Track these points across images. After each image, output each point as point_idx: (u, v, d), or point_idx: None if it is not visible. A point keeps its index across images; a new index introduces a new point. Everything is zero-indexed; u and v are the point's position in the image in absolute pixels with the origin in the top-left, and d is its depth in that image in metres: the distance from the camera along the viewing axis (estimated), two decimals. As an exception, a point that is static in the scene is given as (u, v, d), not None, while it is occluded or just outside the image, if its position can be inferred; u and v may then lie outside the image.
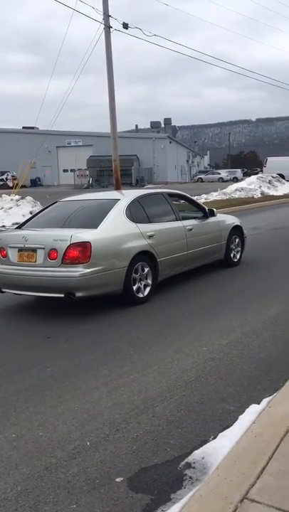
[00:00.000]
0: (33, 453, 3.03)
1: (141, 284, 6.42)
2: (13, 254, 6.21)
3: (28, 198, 19.16)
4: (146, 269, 6.48)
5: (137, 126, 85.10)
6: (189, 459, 2.86)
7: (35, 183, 57.68)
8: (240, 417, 3.25)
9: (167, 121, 76.59)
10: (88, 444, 3.10)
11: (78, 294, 5.78)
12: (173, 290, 7.10)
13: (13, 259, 6.20)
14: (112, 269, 6.01)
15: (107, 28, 21.66)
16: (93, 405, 3.62)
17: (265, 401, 3.41)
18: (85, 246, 5.78)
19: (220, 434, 3.07)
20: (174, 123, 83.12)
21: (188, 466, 2.80)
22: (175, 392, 3.75)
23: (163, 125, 75.11)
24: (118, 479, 2.72)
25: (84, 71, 22.24)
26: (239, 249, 8.76)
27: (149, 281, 6.53)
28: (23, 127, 62.01)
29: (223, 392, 3.73)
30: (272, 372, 4.04)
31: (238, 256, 8.71)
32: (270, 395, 3.54)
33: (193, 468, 2.78)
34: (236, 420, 3.22)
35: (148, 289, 6.52)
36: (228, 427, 3.17)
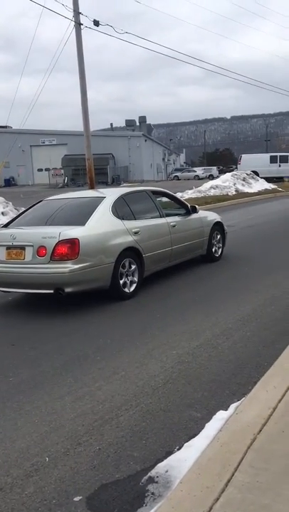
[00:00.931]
0: (-12, 472, 2.85)
1: (127, 279, 6.52)
2: (1, 253, 6.26)
3: (0, 198, 18.76)
4: (133, 266, 6.59)
5: (112, 124, 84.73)
6: (152, 472, 2.72)
7: (8, 182, 56.87)
8: (207, 424, 3.13)
9: (142, 119, 76.43)
10: (47, 459, 2.93)
11: (68, 290, 5.86)
12: (152, 287, 7.05)
13: (1, 257, 6.26)
14: (100, 265, 6.08)
15: (78, 25, 21.39)
16: (55, 417, 3.45)
17: (232, 407, 3.30)
18: (73, 242, 5.84)
19: (185, 444, 2.95)
20: (149, 121, 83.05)
21: (151, 480, 2.66)
22: (141, 400, 3.61)
23: (138, 123, 74.93)
24: (76, 498, 2.56)
25: (58, 70, 21.96)
26: (220, 245, 8.93)
27: (136, 278, 6.63)
28: (-4, 126, 61.00)
29: (191, 398, 3.60)
30: (241, 375, 3.94)
31: (219, 251, 8.88)
32: (238, 400, 3.44)
33: (156, 482, 2.64)
34: (203, 428, 3.10)
35: (134, 285, 6.61)
36: (194, 435, 3.05)
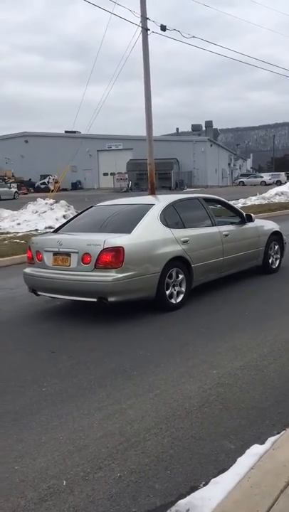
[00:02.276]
0: (2, 491, 2.74)
1: (174, 289, 6.32)
2: (48, 258, 6.26)
3: (62, 202, 19.16)
4: (180, 276, 6.37)
5: (177, 129, 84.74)
6: (172, 510, 2.48)
7: (76, 186, 58.38)
8: (239, 459, 2.84)
9: (208, 124, 75.77)
10: (64, 483, 2.78)
11: (111, 299, 5.74)
12: (201, 298, 6.81)
13: (48, 263, 6.25)
14: (145, 275, 5.93)
15: (145, 30, 21.46)
16: (81, 435, 3.30)
17: (269, 441, 2.99)
18: (118, 251, 5.72)
19: (212, 480, 2.68)
20: (216, 126, 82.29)
21: (170, 519, 2.43)
22: (172, 424, 3.38)
23: (204, 128, 74.35)
24: (87, 532, 2.39)
25: (126, 77, 22.19)
26: (278, 256, 8.48)
27: (183, 289, 6.41)
28: (66, 131, 62.88)
29: (226, 426, 3.33)
30: (285, 404, 3.60)
31: (276, 263, 8.45)
32: (277, 433, 3.12)
33: (175, 523, 2.41)
34: (234, 463, 2.81)
35: (182, 296, 6.38)
36: (223, 470, 2.78)
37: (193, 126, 76.15)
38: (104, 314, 6.16)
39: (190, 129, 78.98)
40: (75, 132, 56.13)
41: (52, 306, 6.90)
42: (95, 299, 5.81)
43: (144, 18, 21.65)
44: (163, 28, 22.09)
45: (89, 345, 5.17)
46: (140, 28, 21.59)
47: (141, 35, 21.67)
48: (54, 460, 3.02)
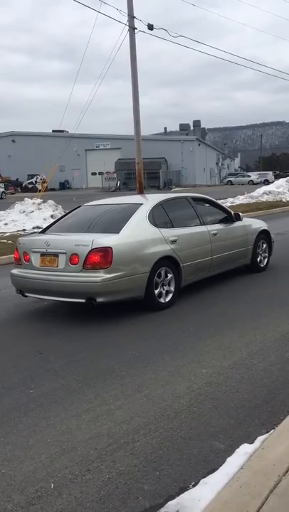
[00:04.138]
0: (-11, 495, 2.69)
1: (163, 289, 6.29)
2: (35, 259, 6.19)
3: (50, 201, 19.06)
4: (169, 275, 6.34)
5: (165, 128, 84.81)
6: (161, 511, 2.46)
7: (63, 185, 58.12)
8: (229, 459, 2.83)
9: (196, 123, 75.91)
10: (52, 486, 2.74)
11: (99, 300, 5.69)
12: (190, 298, 6.79)
13: (35, 264, 6.18)
14: (134, 275, 5.89)
15: (132, 29, 21.42)
16: (69, 437, 3.27)
17: (259, 440, 2.99)
18: (106, 251, 5.67)
19: (202, 481, 2.66)
20: (204, 126, 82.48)
21: (159, 521, 2.41)
22: (161, 424, 3.36)
23: (192, 128, 74.48)
24: (75, 535, 2.35)
25: (114, 77, 22.15)
26: (266, 254, 8.51)
27: (172, 288, 6.38)
28: (53, 131, 62.54)
29: (215, 425, 3.31)
30: (274, 402, 3.60)
31: (264, 261, 8.47)
32: (267, 432, 3.12)
33: (164, 524, 2.38)
34: (223, 463, 2.80)
35: (171, 295, 6.36)
36: (213, 470, 2.76)
37: (181, 125, 76.24)
38: (93, 315, 6.12)
39: (178, 129, 79.05)
40: (62, 132, 55.82)
41: (40, 307, 6.84)
42: (83, 300, 5.76)
43: (131, 17, 21.59)
44: (150, 27, 22.07)
45: (77, 346, 5.13)
46: (127, 27, 21.57)
47: (128, 34, 21.67)
48: (42, 463, 2.98)
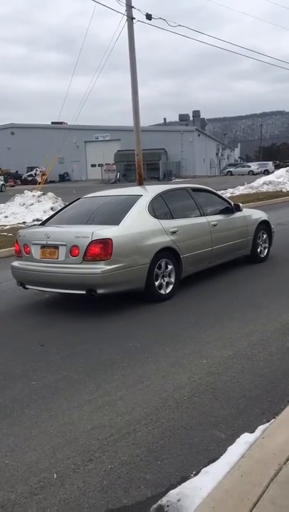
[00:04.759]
0: (-7, 486, 2.72)
1: (163, 280, 6.30)
2: (36, 251, 6.20)
3: (50, 194, 19.03)
4: (169, 267, 6.36)
5: (165, 119, 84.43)
6: (163, 500, 2.48)
7: (63, 178, 57.99)
8: (229, 448, 2.85)
9: (196, 113, 75.53)
10: (55, 476, 2.77)
11: (100, 291, 5.70)
12: (190, 289, 6.80)
13: (36, 256, 6.19)
14: (134, 266, 5.89)
15: (130, 19, 21.26)
16: (71, 428, 3.29)
17: (259, 429, 3.00)
18: (106, 243, 5.68)
19: (203, 470, 2.68)
20: (204, 116, 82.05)
21: (161, 510, 2.43)
22: (162, 415, 3.38)
23: (192, 118, 74.12)
24: (78, 524, 2.38)
25: (112, 67, 22.04)
26: (266, 245, 8.52)
27: (172, 279, 6.40)
28: (52, 122, 62.28)
29: (216, 415, 3.33)
30: (274, 392, 3.62)
31: (265, 252, 8.47)
32: (267, 421, 3.14)
33: (166, 513, 2.41)
34: (224, 452, 2.82)
35: (171, 287, 6.37)
36: (214, 459, 2.79)
37: (180, 116, 75.87)
38: (94, 306, 6.14)
39: (177, 119, 78.68)
40: (61, 123, 55.56)
41: (41, 299, 6.86)
42: (83, 292, 5.77)
43: (130, 7, 21.42)
44: (148, 16, 21.88)
45: (78, 337, 5.15)
46: (125, 17, 21.39)
47: (126, 25, 21.50)
48: (44, 453, 3.01)
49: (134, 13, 21.36)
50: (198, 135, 61.72)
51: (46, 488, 2.67)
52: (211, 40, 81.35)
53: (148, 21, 21.83)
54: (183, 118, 75.09)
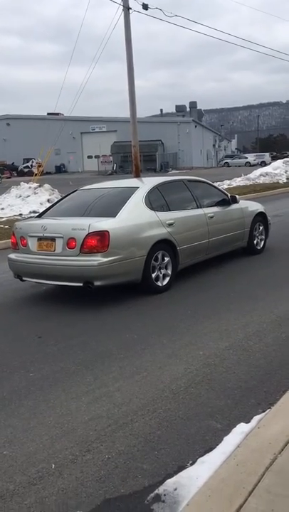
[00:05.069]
0: (-8, 476, 2.75)
1: (160, 272, 6.32)
2: (32, 243, 6.20)
3: (46, 185, 18.98)
4: (166, 259, 6.38)
5: (161, 110, 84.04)
6: (160, 489, 2.52)
7: (59, 169, 57.73)
8: (225, 438, 2.89)
9: (193, 104, 75.23)
10: (53, 466, 2.80)
11: (97, 283, 5.72)
12: (186, 281, 6.83)
13: (32, 248, 6.19)
14: (131, 258, 5.91)
15: (126, 9, 21.09)
16: (69, 419, 3.32)
17: (255, 419, 3.05)
18: (103, 235, 5.68)
19: (199, 460, 2.73)
20: (201, 107, 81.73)
21: (158, 499, 2.47)
22: (159, 405, 3.41)
23: (188, 109, 73.80)
24: (76, 513, 2.41)
25: (108, 58, 21.90)
26: (263, 236, 8.54)
27: (169, 271, 6.42)
28: (48, 113, 61.91)
29: (213, 406, 3.37)
30: (270, 383, 3.66)
31: (261, 244, 8.50)
32: (263, 411, 3.18)
33: (163, 502, 2.44)
34: (220, 442, 2.87)
35: (168, 279, 6.39)
36: (210, 449, 2.83)
37: (177, 107, 75.54)
38: (91, 299, 6.16)
39: (174, 110, 78.30)
40: (58, 114, 55.22)
41: (38, 291, 6.88)
42: (80, 284, 5.79)
43: (126, -3, 21.24)
44: (145, 6, 21.73)
45: (76, 329, 5.17)
46: (122, 7, 21.22)
47: (123, 15, 21.33)
48: (42, 444, 3.04)
49: (131, 3, 21.22)
50: (195, 126, 61.50)
51: (44, 478, 2.70)
52: (207, 30, 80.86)
53: (144, 11, 21.71)
54: (180, 109, 74.78)
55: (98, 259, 5.67)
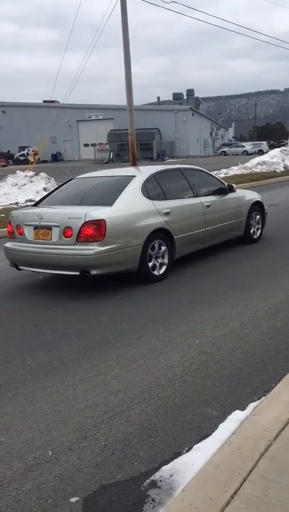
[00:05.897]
0: (-11, 463, 2.78)
1: (157, 261, 6.33)
2: (29, 232, 6.19)
3: (42, 174, 18.87)
4: (163, 248, 6.38)
5: (158, 98, 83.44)
6: (156, 476, 2.55)
7: (56, 157, 57.43)
8: (221, 425, 2.92)
9: (190, 92, 74.75)
10: (50, 453, 2.82)
11: (93, 272, 5.72)
12: (183, 269, 6.84)
13: (29, 237, 6.18)
14: (128, 247, 5.91)
15: (123, -6, 20.81)
16: (65, 406, 3.35)
17: (250, 406, 3.08)
18: (99, 224, 5.67)
19: (195, 446, 2.76)
20: (198, 95, 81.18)
21: (154, 484, 2.50)
22: (156, 393, 3.44)
23: (186, 97, 73.32)
24: (73, 499, 2.44)
25: (105, 46, 21.69)
26: (259, 226, 8.54)
27: (166, 260, 6.43)
28: (44, 101, 61.40)
29: (208, 393, 3.40)
30: (265, 371, 3.69)
31: (258, 233, 8.51)
32: (258, 399, 3.21)
33: (159, 487, 2.47)
34: (216, 429, 2.90)
35: (164, 268, 6.40)
36: (206, 436, 2.86)
37: (174, 94, 75.06)
38: (87, 287, 6.17)
39: (171, 98, 77.77)
40: (53, 102, 54.78)
41: (34, 280, 6.88)
42: (77, 273, 5.79)
43: (123, -18, 20.97)
44: (142, -8, 21.48)
45: (72, 318, 5.19)
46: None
47: (119, 1, 21.07)
48: (39, 431, 3.06)
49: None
50: (192, 114, 61.16)
51: (42, 465, 2.73)
52: (205, 17, 79.98)
53: (142, -3, 21.46)
54: (177, 97, 74.30)
55: (95, 248, 5.66)
